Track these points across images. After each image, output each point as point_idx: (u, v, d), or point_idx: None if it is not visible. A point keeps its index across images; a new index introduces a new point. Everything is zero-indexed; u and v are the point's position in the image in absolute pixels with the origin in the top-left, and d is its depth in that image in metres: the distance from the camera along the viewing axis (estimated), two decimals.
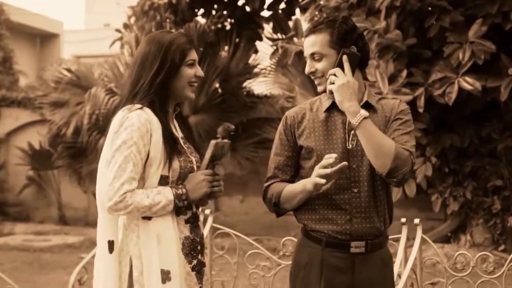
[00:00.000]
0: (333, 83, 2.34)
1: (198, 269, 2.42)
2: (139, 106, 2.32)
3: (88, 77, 10.22)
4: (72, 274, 3.59)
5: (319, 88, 2.46)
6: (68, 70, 10.55)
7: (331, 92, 2.36)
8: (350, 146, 2.39)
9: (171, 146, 2.34)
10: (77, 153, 10.21)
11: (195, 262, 2.40)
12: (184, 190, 2.33)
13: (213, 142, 2.36)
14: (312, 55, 2.40)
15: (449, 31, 6.64)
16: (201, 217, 4.07)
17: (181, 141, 2.43)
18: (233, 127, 2.42)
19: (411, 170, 2.32)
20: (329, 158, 2.25)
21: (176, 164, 2.34)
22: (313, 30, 2.40)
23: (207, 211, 4.09)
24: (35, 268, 7.68)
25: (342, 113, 2.39)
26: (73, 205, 11.48)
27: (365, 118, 2.29)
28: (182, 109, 2.54)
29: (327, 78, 2.37)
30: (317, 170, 2.27)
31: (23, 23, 18.14)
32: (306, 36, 2.43)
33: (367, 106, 2.42)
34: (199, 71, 2.44)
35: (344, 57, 2.36)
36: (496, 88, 6.52)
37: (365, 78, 6.78)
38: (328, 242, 2.40)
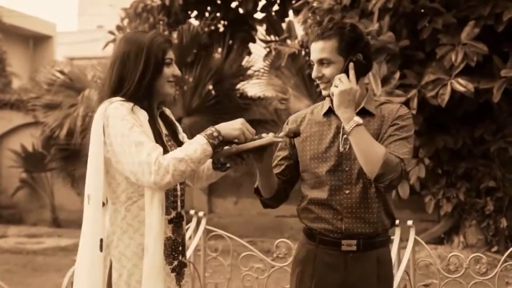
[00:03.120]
0: (337, 87, 2.39)
1: (178, 270, 2.40)
2: (121, 99, 2.31)
3: (81, 79, 10.20)
4: (65, 277, 3.57)
5: (324, 93, 2.50)
6: (61, 72, 10.52)
7: (333, 95, 2.41)
8: (342, 149, 2.46)
9: (156, 140, 2.31)
10: (71, 155, 10.18)
11: (175, 263, 2.39)
12: (213, 128, 2.26)
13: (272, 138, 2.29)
14: (320, 60, 2.45)
15: (442, 33, 6.65)
16: (194, 219, 4.09)
17: (165, 139, 2.41)
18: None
19: (400, 177, 2.35)
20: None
21: None
22: (322, 36, 2.45)
23: (201, 213, 4.08)
24: (28, 271, 7.66)
25: (338, 117, 2.45)
26: (66, 207, 11.45)
27: (358, 125, 2.35)
28: (163, 107, 2.53)
29: (333, 83, 2.42)
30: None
31: (16, 25, 18.10)
32: (314, 41, 2.47)
33: (364, 112, 2.48)
34: (176, 70, 2.42)
35: (350, 65, 2.42)
36: (489, 89, 6.55)
37: None
38: (321, 240, 2.49)
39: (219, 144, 2.26)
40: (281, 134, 2.36)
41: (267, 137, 2.28)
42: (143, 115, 2.31)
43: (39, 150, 11.12)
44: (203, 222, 4.10)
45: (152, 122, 2.35)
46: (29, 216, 11.70)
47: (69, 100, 9.95)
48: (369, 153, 2.33)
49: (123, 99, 2.31)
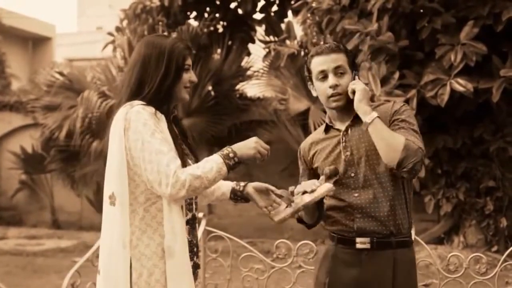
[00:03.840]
0: (354, 88, 2.54)
1: (193, 271, 2.43)
2: (142, 102, 2.34)
3: (80, 81, 10.20)
4: (65, 278, 3.57)
5: (335, 104, 2.61)
6: (61, 73, 10.52)
7: (353, 93, 2.53)
8: (344, 157, 2.58)
9: (179, 145, 2.37)
10: (70, 156, 10.18)
11: (191, 264, 2.41)
12: (229, 149, 2.34)
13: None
14: (337, 69, 2.58)
15: (441, 33, 6.65)
16: None
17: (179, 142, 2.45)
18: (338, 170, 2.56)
19: (421, 162, 2.44)
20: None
21: (186, 162, 2.37)
22: (334, 49, 2.60)
23: (200, 214, 4.08)
24: (28, 272, 7.66)
25: (337, 130, 2.63)
26: (66, 209, 11.45)
27: (377, 117, 2.48)
28: (177, 111, 2.57)
29: (349, 88, 2.56)
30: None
31: (16, 26, 18.11)
32: (324, 54, 2.59)
33: (358, 118, 2.57)
34: (193, 76, 2.49)
35: (356, 78, 2.60)
36: (488, 89, 6.54)
37: None
38: (339, 239, 2.61)
39: (234, 165, 2.32)
40: (322, 178, 2.50)
41: (321, 190, 2.42)
42: (163, 121, 2.35)
43: (38, 152, 11.12)
44: (203, 223, 4.10)
45: (170, 126, 2.38)
46: (29, 217, 11.70)
47: (69, 101, 9.95)
48: (390, 140, 2.44)
49: (143, 102, 2.34)
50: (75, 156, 10.01)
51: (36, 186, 11.62)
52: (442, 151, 7.56)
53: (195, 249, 2.45)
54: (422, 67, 6.86)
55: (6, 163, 11.65)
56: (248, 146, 2.36)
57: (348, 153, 2.56)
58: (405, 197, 2.58)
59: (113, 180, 2.33)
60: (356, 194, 2.55)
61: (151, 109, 2.32)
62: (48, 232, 10.83)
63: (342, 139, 2.59)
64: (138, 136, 2.26)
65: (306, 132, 8.46)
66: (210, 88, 9.65)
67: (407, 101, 6.55)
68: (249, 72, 10.09)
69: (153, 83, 2.37)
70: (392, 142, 2.42)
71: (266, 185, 2.63)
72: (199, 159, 2.48)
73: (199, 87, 9.31)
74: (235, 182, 2.67)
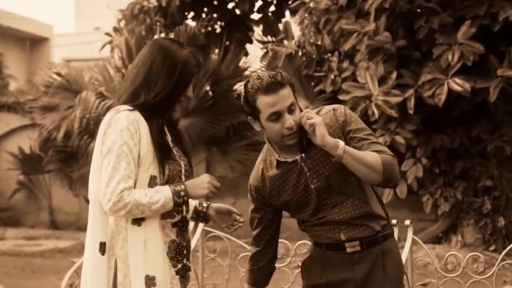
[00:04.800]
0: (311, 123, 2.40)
1: (182, 273, 2.44)
2: (129, 108, 2.34)
3: (78, 81, 10.19)
4: (64, 279, 3.58)
5: (292, 142, 2.48)
6: (58, 74, 10.51)
7: (310, 129, 2.39)
8: (313, 185, 2.51)
9: (162, 152, 2.36)
10: (68, 157, 10.17)
11: (179, 266, 2.42)
12: (182, 187, 2.35)
13: None
14: (290, 107, 2.42)
15: (438, 33, 6.67)
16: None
17: (170, 145, 2.45)
18: None
19: (399, 170, 2.48)
20: None
21: (166, 168, 2.37)
22: (281, 83, 2.41)
23: None
24: (26, 273, 7.66)
25: (293, 162, 2.50)
26: (64, 209, 11.44)
27: (344, 145, 2.40)
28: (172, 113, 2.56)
29: (302, 119, 2.42)
30: None
31: (13, 27, 18.06)
32: (273, 92, 2.40)
33: (308, 143, 2.49)
34: (190, 91, 2.46)
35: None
36: (485, 89, 6.55)
37: (355, 80, 6.87)
38: (328, 245, 2.61)
39: (182, 203, 2.35)
40: None
41: None
42: (146, 129, 2.34)
43: (36, 152, 11.11)
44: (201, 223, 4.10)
45: (158, 133, 2.38)
46: (27, 218, 11.69)
47: (66, 102, 9.93)
48: (367, 164, 2.41)
49: (131, 108, 2.34)
50: (73, 157, 9.99)
51: (34, 187, 11.61)
52: (440, 151, 7.57)
53: (184, 252, 2.44)
54: (420, 67, 6.87)
55: (4, 164, 11.64)
56: (201, 186, 2.39)
57: (315, 179, 2.50)
58: (375, 192, 2.63)
59: (92, 183, 2.40)
60: (336, 210, 2.54)
61: (138, 116, 2.33)
62: (46, 233, 10.82)
63: (304, 169, 2.50)
64: (108, 144, 2.31)
65: None
66: (208, 88, 9.64)
67: (404, 101, 6.57)
68: (247, 72, 10.08)
69: (155, 91, 2.35)
70: (370, 164, 2.40)
71: (227, 206, 2.67)
72: (191, 162, 2.53)
73: (197, 88, 9.30)
74: (198, 203, 2.66)
